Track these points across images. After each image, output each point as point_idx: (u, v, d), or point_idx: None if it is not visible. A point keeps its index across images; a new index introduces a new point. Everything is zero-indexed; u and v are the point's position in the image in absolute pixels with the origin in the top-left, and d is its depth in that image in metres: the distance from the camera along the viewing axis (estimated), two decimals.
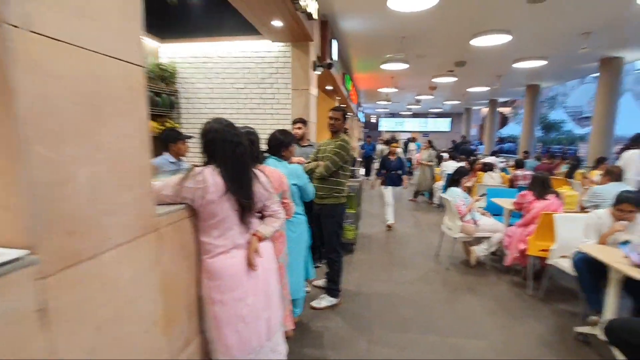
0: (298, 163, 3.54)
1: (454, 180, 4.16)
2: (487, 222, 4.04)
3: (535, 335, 2.72)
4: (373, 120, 26.96)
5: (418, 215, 7.02)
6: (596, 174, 6.29)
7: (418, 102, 16.18)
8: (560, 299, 3.34)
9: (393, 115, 24.68)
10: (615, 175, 3.73)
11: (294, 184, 2.61)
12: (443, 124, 24.11)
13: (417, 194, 8.41)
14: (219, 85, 4.65)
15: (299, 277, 2.72)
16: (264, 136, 4.77)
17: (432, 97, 13.89)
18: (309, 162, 3.17)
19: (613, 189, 3.60)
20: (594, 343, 2.54)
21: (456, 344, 2.61)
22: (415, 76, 9.90)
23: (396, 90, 11.69)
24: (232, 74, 4.59)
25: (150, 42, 4.56)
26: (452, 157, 8.62)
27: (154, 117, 4.38)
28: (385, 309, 3.09)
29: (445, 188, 4.26)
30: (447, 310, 3.10)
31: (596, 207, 3.68)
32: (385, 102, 16.18)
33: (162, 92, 4.44)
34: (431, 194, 8.02)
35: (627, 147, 5.18)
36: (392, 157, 5.67)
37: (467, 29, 5.64)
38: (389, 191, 5.65)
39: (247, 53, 4.51)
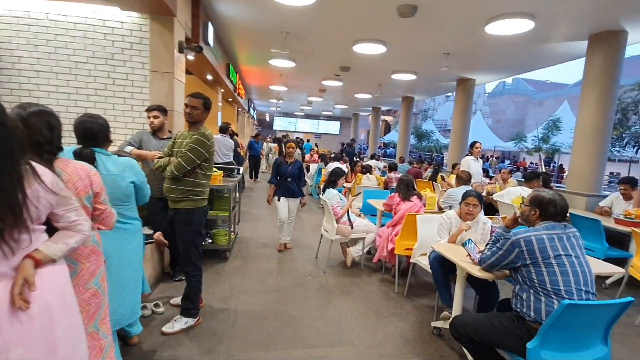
0: (152, 158, 2.94)
1: (330, 181, 4.11)
2: (362, 223, 4.10)
3: (398, 334, 2.76)
4: (267, 118, 26.65)
5: (303, 216, 6.95)
6: (453, 177, 7.26)
7: (310, 103, 16.53)
8: (422, 294, 3.56)
9: (286, 114, 24.82)
10: (463, 179, 4.22)
11: (132, 182, 2.06)
12: (333, 127, 25.43)
13: None
14: (49, 56, 3.58)
15: (135, 297, 2.17)
16: (114, 126, 3.97)
17: (322, 99, 14.33)
18: (160, 158, 2.62)
19: (462, 191, 4.05)
20: (447, 336, 2.69)
21: (323, 354, 2.44)
22: (304, 76, 9.94)
23: (286, 89, 11.60)
24: (69, 43, 3.59)
25: None
26: (336, 159, 8.90)
27: None
28: (251, 326, 2.75)
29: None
30: (318, 319, 2.94)
31: (450, 207, 4.09)
32: (278, 101, 16.04)
33: None
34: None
35: (467, 154, 6.08)
36: (288, 161, 4.51)
37: (348, 34, 5.78)
38: (283, 205, 4.46)
39: (91, 20, 3.58)
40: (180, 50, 3.91)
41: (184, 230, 2.57)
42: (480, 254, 2.20)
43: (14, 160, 1.08)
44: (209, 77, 6.97)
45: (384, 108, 18.49)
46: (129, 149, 3.06)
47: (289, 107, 20.97)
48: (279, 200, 4.45)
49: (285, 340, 2.58)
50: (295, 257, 4.48)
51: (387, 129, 31.55)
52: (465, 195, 2.88)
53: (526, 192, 4.23)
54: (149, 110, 3.16)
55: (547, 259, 1.81)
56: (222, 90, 8.36)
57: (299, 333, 2.69)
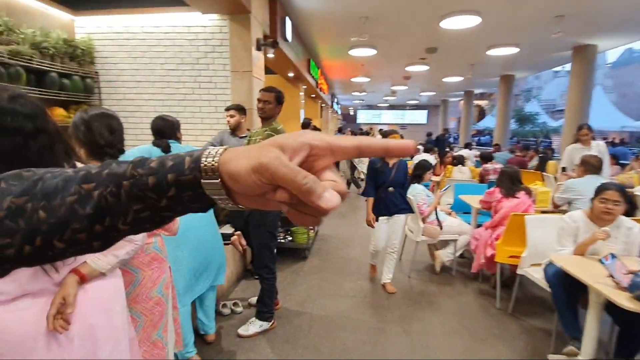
0: None
1: (416, 175, 3.66)
2: (453, 223, 3.57)
3: None
4: (351, 112, 26.48)
5: None
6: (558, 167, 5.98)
7: (394, 93, 15.77)
8: (533, 313, 2.91)
9: (370, 107, 24.27)
10: (592, 166, 3.27)
11: None
12: (420, 116, 24.00)
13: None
14: (146, 66, 3.94)
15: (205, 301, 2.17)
16: (201, 128, 4.19)
17: (407, 87, 13.49)
18: None
19: (590, 182, 3.18)
20: None
21: None
22: (387, 64, 9.39)
23: (369, 79, 11.19)
24: (161, 52, 3.89)
25: (59, 14, 3.80)
26: (426, 150, 8.21)
27: (64, 104, 3.66)
28: (326, 334, 2.56)
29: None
30: (400, 333, 2.60)
31: (569, 203, 3.27)
32: (361, 93, 15.69)
33: (74, 73, 3.70)
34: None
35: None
36: (389, 162, 3.13)
37: (434, 9, 5.13)
38: (381, 227, 3.20)
39: (178, 28, 3.81)
40: (258, 48, 3.90)
41: (258, 232, 2.50)
42: (630, 275, 1.60)
43: (60, 167, 1.03)
44: (291, 74, 7.03)
45: (477, 91, 16.62)
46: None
47: (373, 99, 20.41)
48: (376, 220, 3.22)
49: (362, 355, 2.32)
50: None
51: (481, 114, 28.47)
52: (601, 189, 2.15)
53: None
54: (227, 109, 3.20)
55: None
56: (305, 87, 8.41)
57: (378, 348, 2.40)
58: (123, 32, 3.93)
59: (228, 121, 3.16)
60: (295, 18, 5.50)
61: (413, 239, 3.62)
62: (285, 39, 4.89)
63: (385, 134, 5.56)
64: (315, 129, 8.51)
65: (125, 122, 4.14)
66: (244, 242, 2.79)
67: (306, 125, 6.78)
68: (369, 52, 7.22)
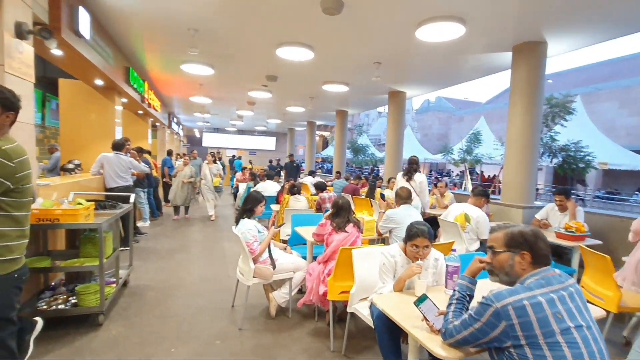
0: None
1: (245, 210, 3.20)
2: (287, 260, 3.25)
3: None
4: (197, 134, 24.77)
5: (226, 246, 5.88)
6: (388, 192, 6.78)
7: (240, 117, 15.45)
8: (365, 348, 2.78)
9: (217, 130, 23.30)
10: (403, 197, 3.58)
11: None
12: (269, 143, 24.53)
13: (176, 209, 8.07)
14: None
15: None
16: None
17: (253, 113, 13.40)
18: None
19: (405, 212, 3.44)
20: None
21: None
22: (228, 87, 8.96)
23: (211, 101, 10.47)
24: None
25: None
26: (269, 177, 7.99)
27: None
28: None
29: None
30: None
31: (390, 232, 3.44)
32: (204, 115, 14.71)
33: None
34: None
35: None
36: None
37: (269, 36, 5.03)
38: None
39: None
40: (20, 36, 2.75)
41: None
42: (441, 316, 1.50)
43: None
44: (99, 82, 5.63)
45: (319, 122, 18.14)
46: None
47: (220, 122, 19.57)
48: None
49: None
50: (204, 308, 3.44)
51: (325, 144, 31.56)
52: (412, 235, 2.12)
53: (470, 209, 3.78)
54: None
55: (552, 336, 1.14)
56: (125, 100, 7.00)
57: None
58: None
59: None
60: (100, 13, 4.41)
61: (244, 282, 3.09)
62: (79, 34, 3.77)
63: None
64: (142, 150, 7.15)
65: None
66: None
67: (119, 145, 5.42)
68: (205, 70, 6.62)
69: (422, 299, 1.60)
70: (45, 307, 2.83)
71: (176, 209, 8.04)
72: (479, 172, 22.04)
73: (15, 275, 1.60)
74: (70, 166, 5.56)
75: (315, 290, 2.89)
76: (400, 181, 4.87)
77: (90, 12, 4.06)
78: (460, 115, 34.59)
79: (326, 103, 11.02)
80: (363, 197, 6.83)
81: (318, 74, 7.25)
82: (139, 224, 6.62)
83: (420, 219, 3.25)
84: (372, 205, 5.76)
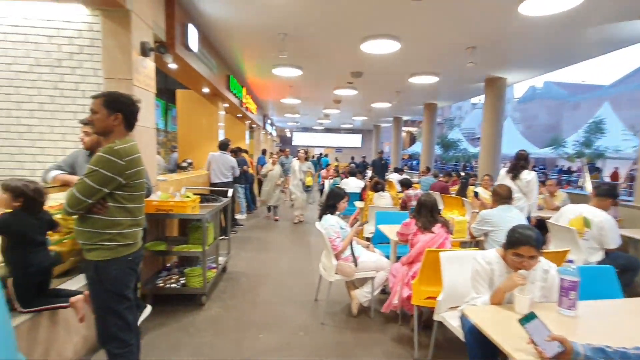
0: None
1: (328, 206, 3.24)
2: (370, 259, 3.18)
3: None
4: (288, 134, 26.25)
5: (312, 240, 6.08)
6: (482, 190, 6.15)
7: (327, 116, 15.83)
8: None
9: (306, 129, 24.31)
10: (502, 197, 3.15)
11: None
12: (355, 140, 24.62)
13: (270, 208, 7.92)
14: None
15: None
16: (63, 146, 3.33)
17: (339, 111, 13.57)
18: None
19: (503, 213, 3.05)
20: None
21: None
22: (315, 86, 9.23)
23: (299, 101, 10.95)
24: (8, 50, 3.03)
25: None
26: (352, 173, 8.00)
27: None
28: None
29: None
30: None
31: (486, 235, 3.09)
32: (294, 115, 15.47)
33: None
34: None
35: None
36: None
37: (355, 31, 4.99)
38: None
39: (34, 21, 3.02)
40: (144, 53, 3.25)
41: (95, 291, 1.80)
42: (553, 342, 1.26)
43: None
44: (205, 90, 6.38)
45: (405, 118, 17.48)
46: (52, 175, 2.37)
47: (308, 122, 20.40)
48: None
49: None
50: (289, 299, 3.61)
51: (412, 140, 30.29)
52: (514, 242, 1.78)
53: (592, 211, 3.14)
54: (82, 122, 2.47)
55: None
56: (226, 105, 7.78)
57: None
58: None
59: (82, 139, 2.43)
60: (205, 28, 4.95)
61: (326, 278, 3.14)
62: (189, 49, 4.30)
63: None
64: (240, 150, 7.86)
65: None
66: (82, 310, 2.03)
67: (224, 145, 6.13)
68: (294, 72, 6.94)
69: (529, 317, 1.37)
70: (162, 284, 3.32)
71: (269, 209, 7.90)
72: (602, 167, 18.47)
73: (130, 258, 1.84)
74: (184, 164, 6.47)
75: (399, 292, 2.76)
76: (504, 178, 4.32)
77: (197, 28, 4.59)
78: (576, 102, 29.49)
79: (413, 97, 10.52)
80: (453, 195, 6.31)
81: (404, 66, 6.95)
82: (237, 216, 7.30)
83: (524, 221, 2.84)
84: (463, 205, 5.28)
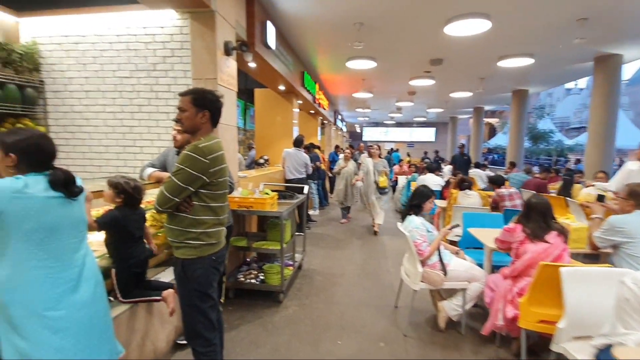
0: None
1: (412, 205, 2.95)
2: (460, 267, 2.81)
3: None
4: (358, 129, 25.97)
5: (386, 241, 5.79)
6: (583, 191, 5.21)
7: (399, 109, 15.16)
8: None
9: (377, 124, 23.73)
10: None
11: None
12: (428, 134, 23.35)
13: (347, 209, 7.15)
14: (96, 74, 3.38)
15: None
16: (158, 145, 3.58)
17: (413, 104, 12.87)
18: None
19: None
20: None
21: None
22: (389, 78, 8.82)
23: (372, 95, 10.61)
24: (113, 58, 3.33)
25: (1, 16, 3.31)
26: (430, 170, 7.44)
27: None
28: None
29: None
30: None
31: (615, 247, 2.49)
32: (365, 110, 15.14)
33: (9, 81, 3.16)
34: None
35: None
36: None
37: (438, 13, 4.54)
38: None
39: (133, 29, 3.27)
40: (227, 53, 3.32)
41: (182, 287, 1.81)
42: None
43: None
44: (282, 88, 6.47)
45: (487, 108, 15.92)
46: (148, 172, 2.50)
47: (378, 116, 19.84)
48: None
49: None
50: (366, 302, 3.41)
51: (492, 132, 27.61)
52: None
53: None
54: (175, 120, 2.57)
55: None
56: (300, 102, 7.84)
57: None
58: (71, 35, 3.41)
59: (174, 137, 2.53)
60: (282, 24, 4.95)
61: (410, 285, 2.87)
62: (267, 46, 4.32)
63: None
64: (313, 146, 7.87)
65: (73, 138, 3.58)
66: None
67: (299, 142, 6.16)
68: (368, 64, 6.65)
69: None
70: (242, 278, 3.39)
71: (345, 211, 7.08)
72: None
73: (213, 258, 1.82)
74: (261, 161, 6.69)
75: (502, 311, 2.37)
76: (634, 175, 3.53)
77: (275, 25, 4.61)
78: None
79: (500, 83, 9.44)
80: (553, 194, 5.44)
81: (492, 49, 6.19)
82: (310, 212, 7.33)
83: None
84: (567, 206, 4.48)
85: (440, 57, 6.70)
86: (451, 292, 2.92)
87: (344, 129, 21.38)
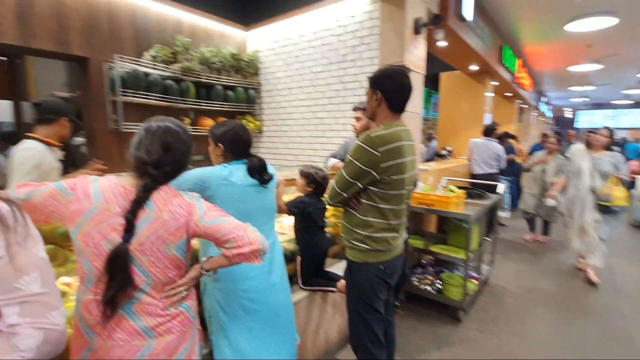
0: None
1: None
2: None
3: None
4: (567, 114, 20.62)
5: (615, 263, 4.22)
6: None
7: None
8: None
9: (599, 105, 18.13)
10: None
11: None
12: None
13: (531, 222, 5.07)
14: (298, 72, 3.74)
15: None
16: (344, 136, 3.63)
17: None
18: None
19: None
20: None
21: None
22: (632, 39, 6.32)
23: (600, 67, 7.97)
24: (311, 54, 3.58)
25: (233, 32, 4.12)
26: None
27: (231, 114, 3.95)
28: None
29: None
30: None
31: None
32: (584, 88, 11.68)
33: (238, 85, 3.94)
34: None
35: None
36: None
37: None
38: None
39: (327, 24, 3.40)
40: (416, 31, 3.02)
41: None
42: None
43: None
44: (473, 68, 5.62)
45: None
46: (332, 162, 2.54)
47: (604, 95, 15.01)
48: None
49: None
50: (582, 349, 2.50)
51: None
52: None
53: None
54: (354, 109, 2.52)
55: None
56: (496, 83, 6.69)
57: None
58: (280, 40, 3.90)
59: (353, 125, 2.47)
60: None
61: None
62: (462, 19, 3.74)
63: None
64: (507, 135, 6.60)
65: (278, 130, 4.14)
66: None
67: (490, 130, 5.23)
68: (604, 21, 4.88)
69: None
70: (416, 282, 3.11)
71: (530, 222, 5.16)
72: None
73: (381, 267, 1.58)
74: (444, 152, 6.12)
75: None
76: None
77: None
78: None
79: None
80: None
81: None
82: (499, 214, 6.24)
83: None
84: None
85: None
86: None
87: (549, 114, 17.35)
